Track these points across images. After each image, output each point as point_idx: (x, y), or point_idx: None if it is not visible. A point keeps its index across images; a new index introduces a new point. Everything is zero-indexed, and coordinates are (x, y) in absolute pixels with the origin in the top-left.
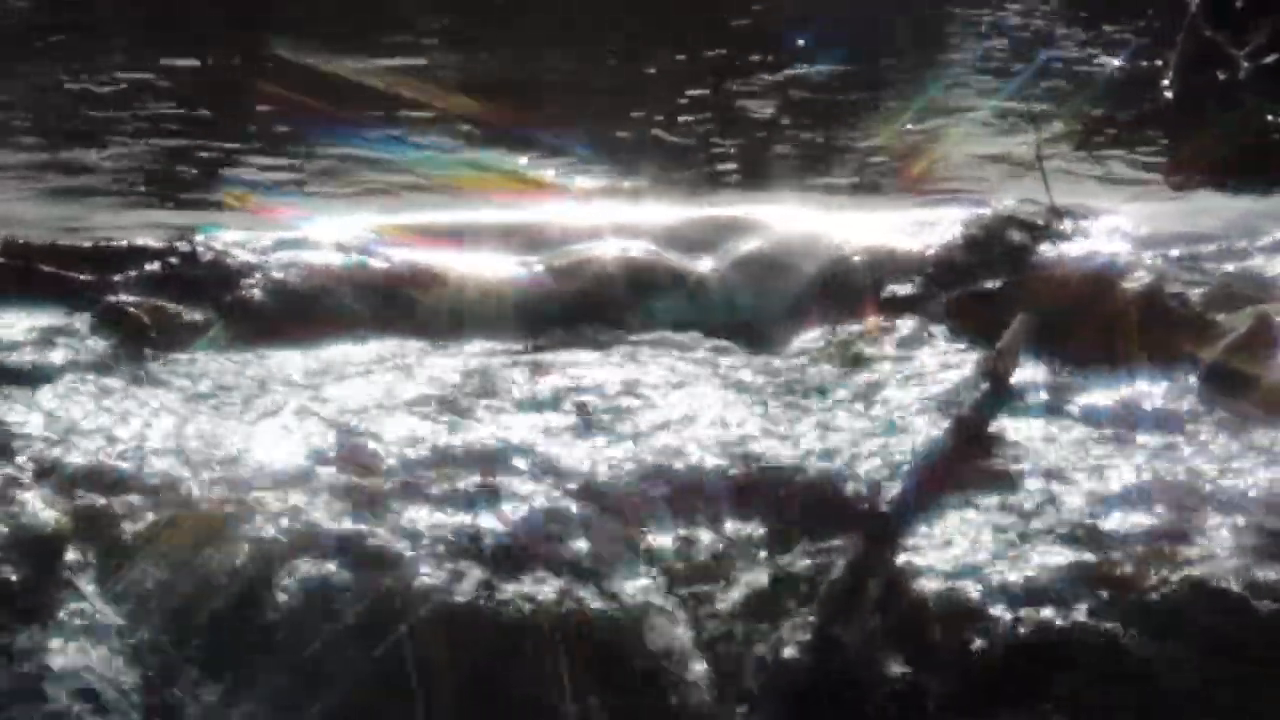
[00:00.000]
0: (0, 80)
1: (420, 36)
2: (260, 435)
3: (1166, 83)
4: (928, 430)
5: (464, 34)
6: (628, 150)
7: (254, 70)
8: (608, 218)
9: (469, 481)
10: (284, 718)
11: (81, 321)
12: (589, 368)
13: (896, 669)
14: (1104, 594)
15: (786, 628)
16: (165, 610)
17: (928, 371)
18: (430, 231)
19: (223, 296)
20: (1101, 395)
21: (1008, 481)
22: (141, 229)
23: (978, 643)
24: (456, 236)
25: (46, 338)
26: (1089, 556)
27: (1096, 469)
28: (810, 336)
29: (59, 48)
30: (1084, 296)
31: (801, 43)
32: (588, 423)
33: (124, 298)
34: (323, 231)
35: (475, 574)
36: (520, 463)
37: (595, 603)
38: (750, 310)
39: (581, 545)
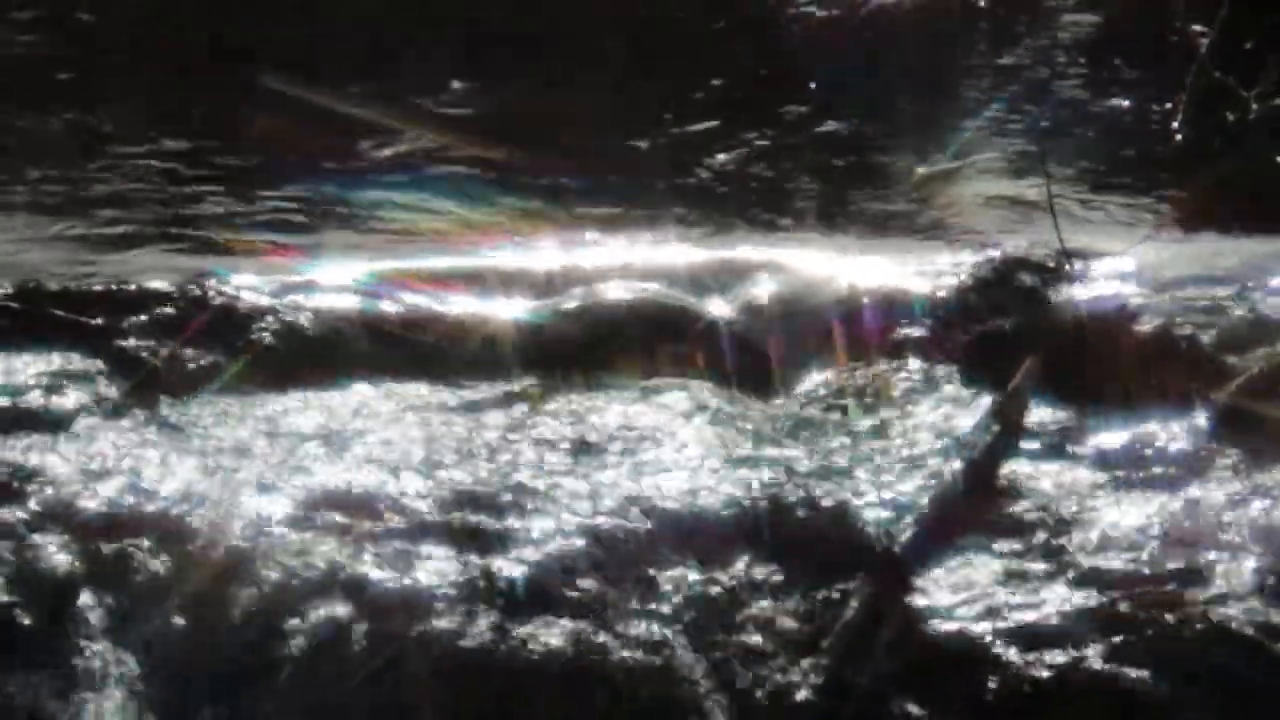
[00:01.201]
0: (6, 120)
1: (431, 74)
2: (272, 479)
3: (1176, 124)
4: (939, 472)
5: (473, 72)
6: (638, 192)
7: (263, 111)
8: (619, 260)
9: (480, 524)
10: None
11: (94, 366)
12: (600, 410)
13: (909, 711)
14: (1116, 636)
15: (799, 670)
16: (177, 655)
17: (939, 414)
18: (440, 275)
19: (234, 340)
20: (1113, 437)
21: (1019, 524)
22: (152, 272)
23: (990, 685)
24: (467, 279)
25: (59, 382)
26: (1101, 599)
27: (1108, 511)
28: (821, 379)
29: (63, 87)
30: (1095, 338)
31: (813, 86)
32: (599, 465)
33: (136, 342)
34: (333, 275)
35: (487, 617)
36: (531, 505)
37: (607, 645)
38: (762, 352)
39: (594, 587)
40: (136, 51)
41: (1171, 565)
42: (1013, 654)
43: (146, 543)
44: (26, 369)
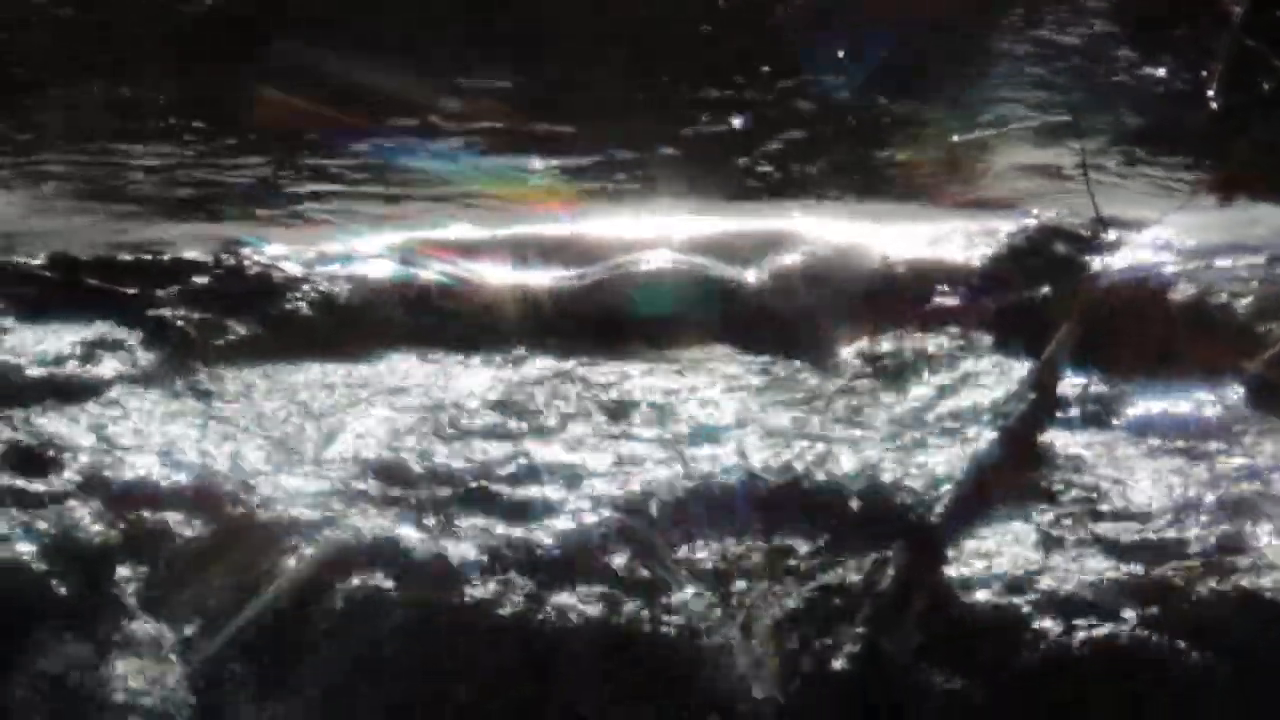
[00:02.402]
0: (36, 96)
1: (455, 46)
2: (308, 449)
3: (1211, 93)
4: (975, 441)
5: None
6: (668, 162)
7: (290, 83)
8: (650, 230)
9: (515, 494)
10: None
11: (129, 335)
12: (633, 380)
13: (944, 681)
14: (1152, 606)
15: (835, 639)
16: (215, 624)
17: (974, 383)
18: (473, 245)
19: (269, 310)
20: (1148, 406)
21: (1054, 493)
22: (186, 242)
23: (1025, 655)
24: (499, 250)
25: (94, 351)
26: (1136, 568)
27: (1143, 480)
28: (855, 348)
29: (93, 60)
30: (1129, 307)
31: (841, 54)
32: (632, 434)
33: (171, 311)
34: (368, 244)
35: (522, 586)
36: (567, 475)
37: (643, 615)
38: (795, 322)
39: (629, 558)
40: (167, 25)
41: (1206, 535)
42: (1047, 623)
43: (182, 512)
44: (61, 338)
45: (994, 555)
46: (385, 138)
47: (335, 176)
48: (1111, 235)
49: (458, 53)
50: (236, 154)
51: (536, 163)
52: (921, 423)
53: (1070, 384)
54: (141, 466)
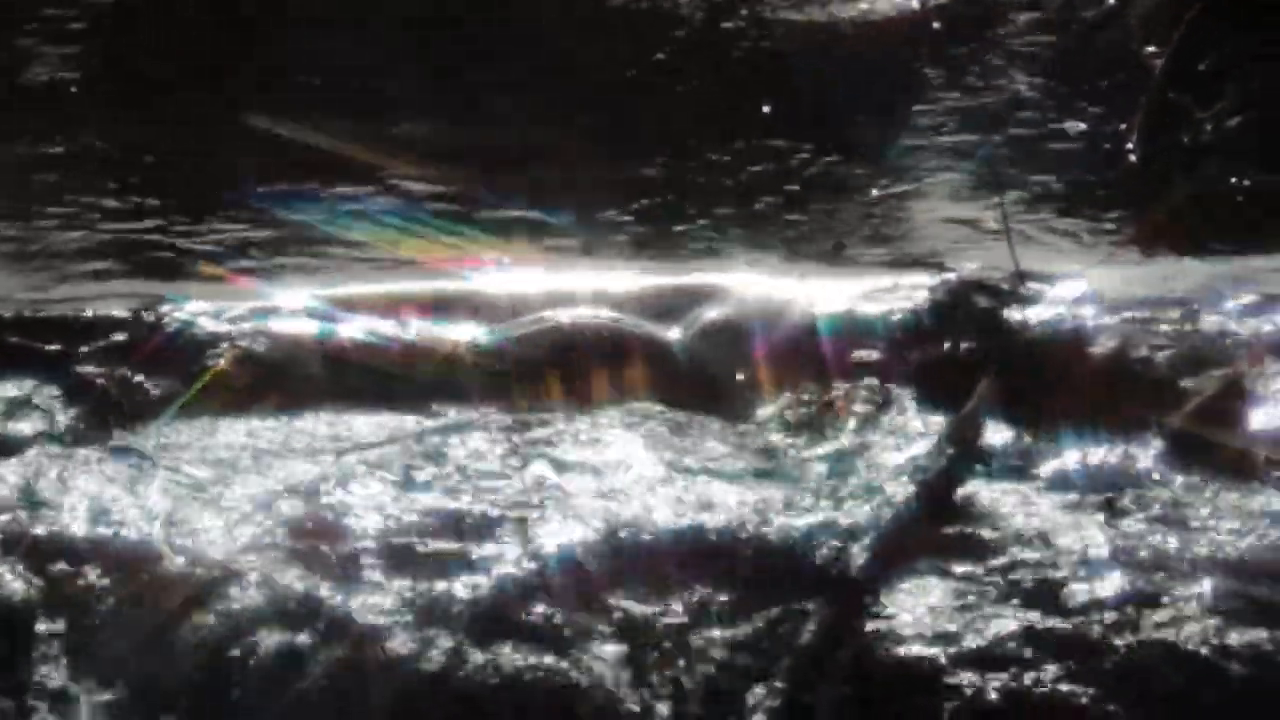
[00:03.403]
0: None
1: (384, 102)
2: (229, 505)
3: (1131, 146)
4: (894, 496)
5: (428, 99)
6: (592, 220)
7: (218, 136)
8: (573, 286)
9: (437, 550)
10: None
11: (49, 393)
12: (551, 434)
13: None
14: (1071, 659)
15: (756, 695)
16: (135, 681)
17: (894, 437)
18: (396, 301)
19: (190, 367)
20: (1068, 459)
21: (975, 547)
22: (108, 299)
23: (945, 708)
24: (422, 306)
25: (13, 409)
26: (1057, 621)
27: (1064, 533)
28: (776, 403)
29: (14, 114)
30: (1050, 361)
31: (767, 110)
32: (553, 490)
33: (92, 369)
34: (290, 300)
35: (443, 642)
36: (487, 531)
37: (562, 670)
38: (717, 376)
39: (549, 613)
40: (94, 76)
41: (1126, 588)
42: (967, 677)
43: (102, 569)
44: None
45: (913, 609)
46: (309, 193)
47: (256, 233)
48: (1032, 289)
49: (387, 104)
50: (157, 212)
51: (462, 220)
52: (841, 476)
53: (990, 437)
54: (61, 523)
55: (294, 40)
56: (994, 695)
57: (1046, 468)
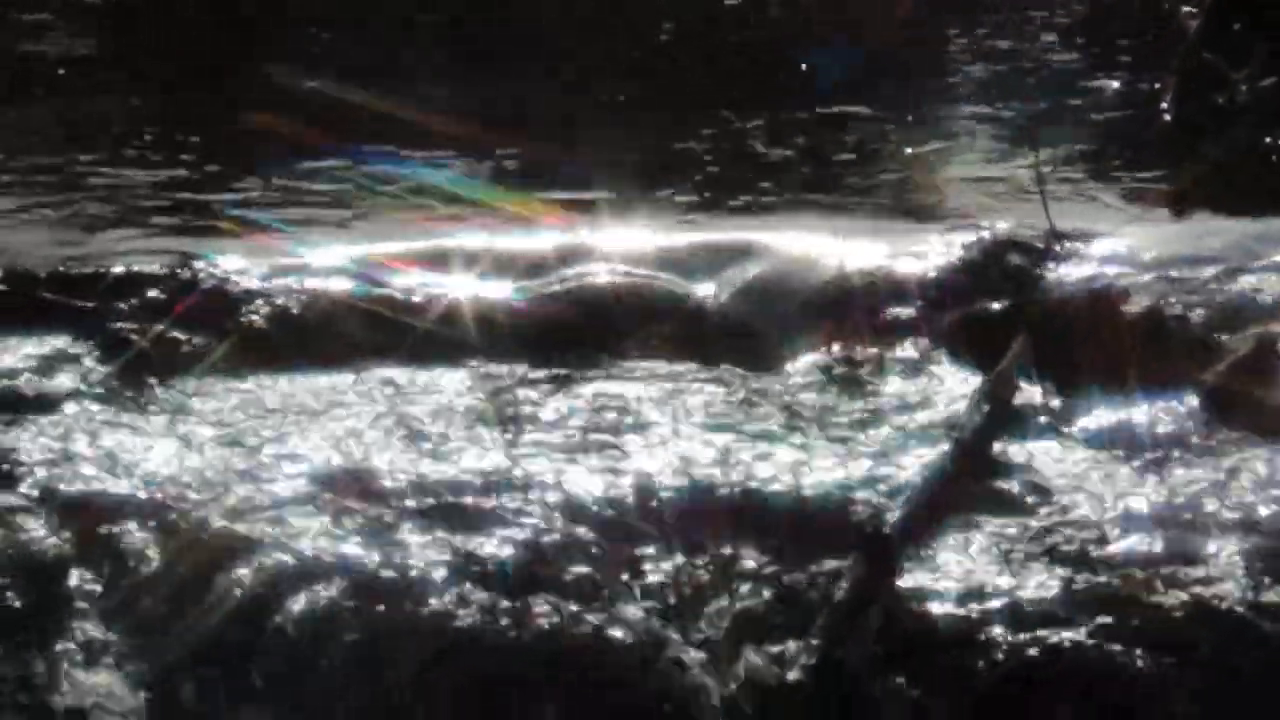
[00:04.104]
0: None
1: (417, 61)
2: (262, 462)
3: (1165, 105)
4: (929, 453)
5: (461, 58)
6: (627, 176)
7: (251, 96)
8: (607, 243)
9: (470, 506)
10: None
11: (84, 349)
12: (588, 392)
13: (901, 692)
14: (1106, 616)
15: (790, 652)
16: (167, 637)
17: (928, 394)
18: (430, 258)
19: (224, 323)
20: (1102, 417)
21: (1009, 504)
22: (143, 256)
23: (980, 666)
24: (456, 262)
25: (49, 365)
26: (1091, 579)
27: (1098, 491)
28: (811, 360)
29: (53, 76)
30: (1084, 319)
31: (804, 67)
32: (588, 445)
33: (126, 325)
34: (323, 258)
35: (477, 599)
36: (521, 487)
37: (597, 627)
38: (751, 334)
39: (583, 570)
40: (130, 42)
41: (1160, 545)
42: (1001, 634)
43: (136, 524)
44: (16, 351)
45: (949, 566)
46: (344, 152)
47: (293, 190)
48: (1066, 247)
49: (424, 69)
50: (193, 168)
51: (498, 177)
52: (877, 434)
53: (1025, 395)
54: (96, 479)
55: (324, 6)
56: (1029, 652)
57: (1081, 425)
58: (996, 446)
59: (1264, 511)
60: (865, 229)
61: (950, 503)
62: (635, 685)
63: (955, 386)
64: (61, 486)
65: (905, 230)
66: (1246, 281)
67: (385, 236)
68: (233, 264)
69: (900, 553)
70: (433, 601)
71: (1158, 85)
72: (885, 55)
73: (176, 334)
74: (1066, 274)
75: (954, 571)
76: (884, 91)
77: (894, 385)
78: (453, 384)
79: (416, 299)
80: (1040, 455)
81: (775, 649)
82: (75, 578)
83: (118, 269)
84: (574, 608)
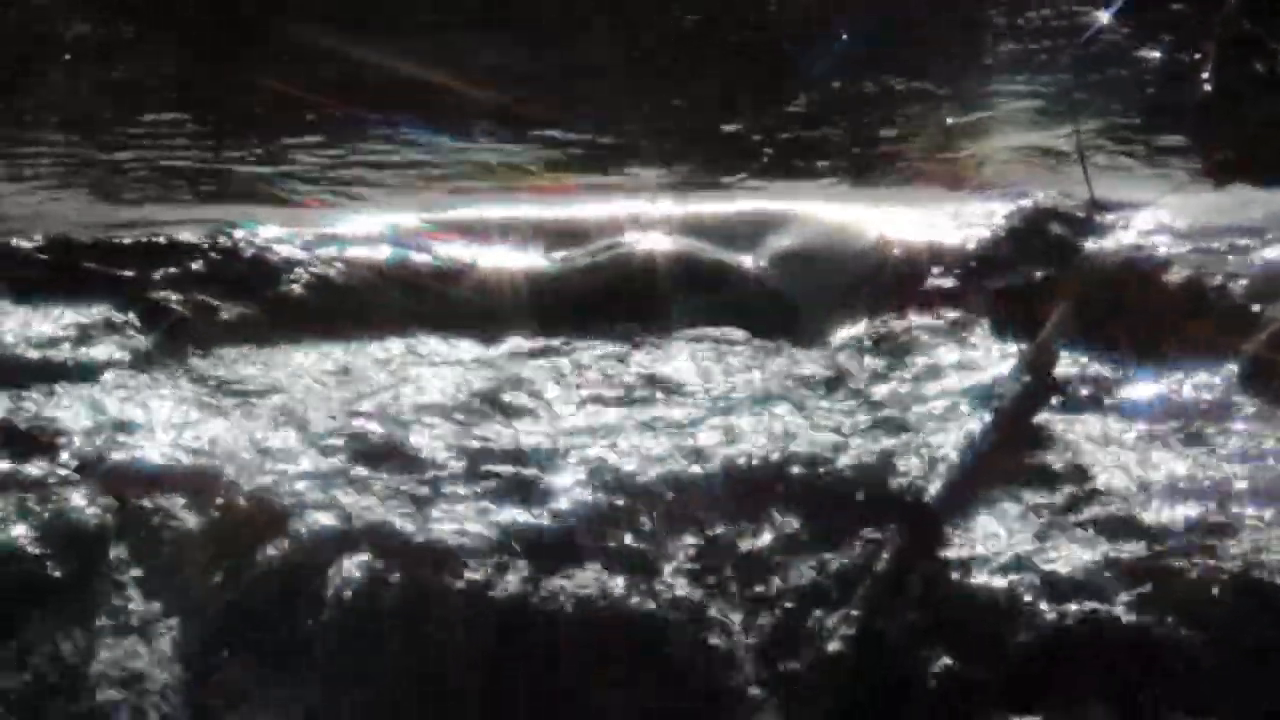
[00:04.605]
0: (34, 78)
1: (448, 26)
2: (302, 430)
3: (1206, 75)
4: (970, 423)
5: (501, 27)
6: (665, 145)
7: (291, 66)
8: (646, 212)
9: (512, 477)
10: (327, 716)
11: (124, 317)
12: (627, 362)
13: (940, 662)
14: (1147, 588)
15: (831, 621)
16: (208, 608)
17: (969, 365)
18: (469, 227)
19: (265, 292)
20: (1143, 388)
21: (1049, 475)
22: (183, 225)
23: (1021, 636)
24: (496, 232)
25: (89, 334)
26: (1132, 550)
27: (1138, 462)
28: (852, 330)
29: (89, 46)
30: (1125, 289)
31: (844, 36)
32: (629, 416)
33: (166, 293)
34: (363, 227)
35: (518, 569)
36: (563, 458)
37: (638, 597)
38: (791, 304)
39: (625, 540)
40: (163, 10)
41: (1201, 517)
42: (1042, 605)
43: (176, 494)
44: (56, 320)
45: (988, 537)
46: (383, 122)
47: (332, 160)
48: (1107, 217)
49: (459, 37)
50: (233, 137)
51: (535, 145)
52: (916, 405)
53: (1065, 366)
54: (136, 448)
55: None
56: (1068, 623)
57: (1121, 395)
58: (1036, 417)
59: None
60: (906, 199)
61: (990, 473)
62: (676, 655)
63: (995, 357)
64: (101, 456)
65: (946, 200)
66: None
67: (424, 206)
68: (272, 233)
69: (940, 524)
70: (473, 571)
71: (1198, 55)
72: (923, 26)
73: (216, 303)
74: (1107, 244)
75: (994, 542)
76: (923, 63)
77: (934, 355)
78: (492, 353)
79: (456, 268)
80: (1080, 426)
81: (815, 619)
82: (115, 548)
83: (158, 238)
84: (615, 577)
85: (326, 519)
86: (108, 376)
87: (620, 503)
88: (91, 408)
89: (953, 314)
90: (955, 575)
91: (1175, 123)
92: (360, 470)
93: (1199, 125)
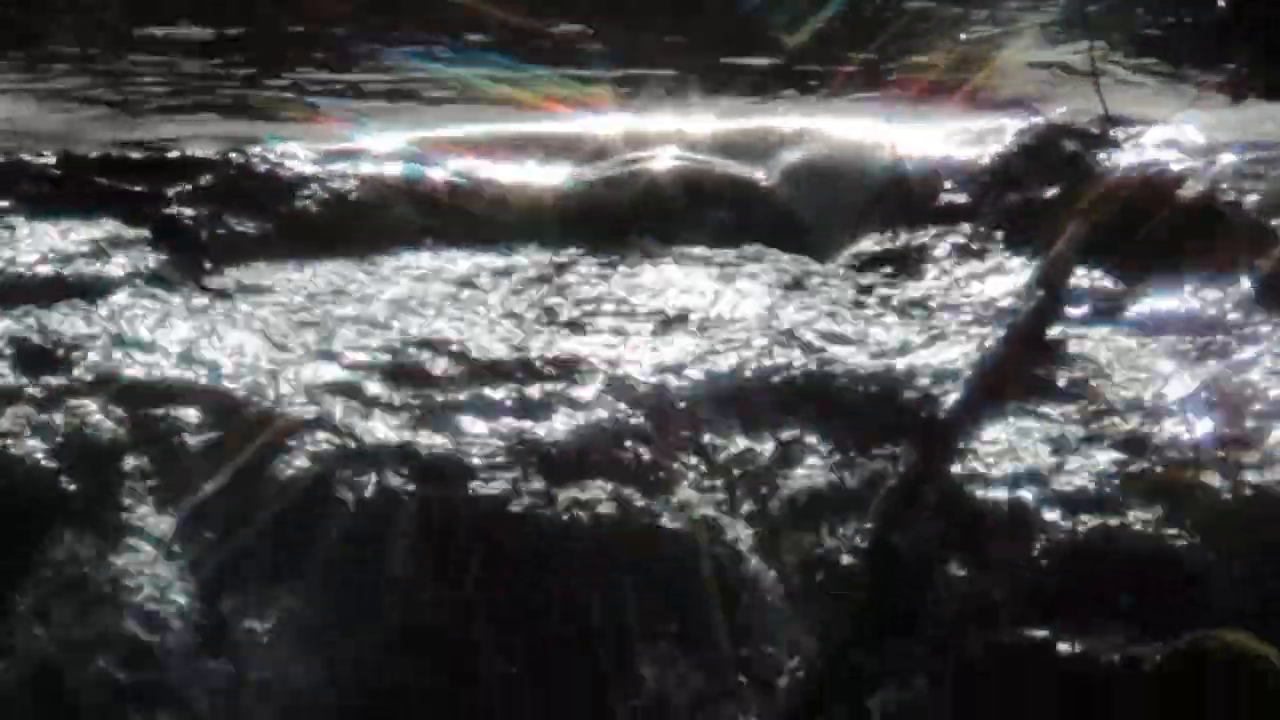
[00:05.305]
0: None
1: None
2: (316, 346)
3: None
4: (983, 338)
5: None
6: (679, 62)
7: None
8: (659, 128)
9: (526, 390)
10: (342, 629)
11: (137, 234)
12: (641, 276)
13: (953, 575)
14: (1159, 501)
15: (844, 535)
16: (222, 521)
17: (983, 280)
18: (483, 143)
19: (278, 208)
20: (1156, 303)
21: (1063, 389)
22: (196, 141)
23: (1033, 549)
24: (509, 148)
25: (104, 250)
26: (1145, 464)
27: (1152, 376)
28: (866, 245)
29: None
30: (1139, 205)
31: None
32: (644, 330)
33: (179, 210)
34: (376, 143)
35: (533, 482)
36: (577, 371)
37: (652, 510)
38: (805, 219)
39: (639, 452)
40: None
41: (1215, 431)
42: (1056, 519)
43: (191, 409)
44: (70, 237)
45: (1003, 451)
46: (398, 38)
47: (347, 76)
48: (1120, 133)
49: None
50: (247, 53)
51: (552, 63)
52: (931, 319)
53: (1079, 281)
54: (150, 364)
55: None
56: (1083, 537)
57: (1134, 310)
58: (1050, 331)
59: None
60: (920, 115)
61: (1004, 387)
62: (689, 567)
63: (1009, 272)
64: (116, 371)
65: (960, 117)
66: None
67: (439, 122)
68: (286, 149)
69: (955, 438)
70: (488, 485)
71: None
72: None
73: (230, 219)
74: (1121, 160)
75: (1008, 456)
76: None
77: (948, 270)
78: (506, 268)
79: (469, 184)
80: (1094, 340)
81: (831, 533)
82: (130, 462)
83: (172, 154)
84: (628, 490)
85: (339, 432)
86: (121, 292)
87: (634, 415)
88: (106, 323)
89: (966, 229)
90: (969, 489)
91: (1190, 39)
92: (373, 384)
93: (1214, 41)
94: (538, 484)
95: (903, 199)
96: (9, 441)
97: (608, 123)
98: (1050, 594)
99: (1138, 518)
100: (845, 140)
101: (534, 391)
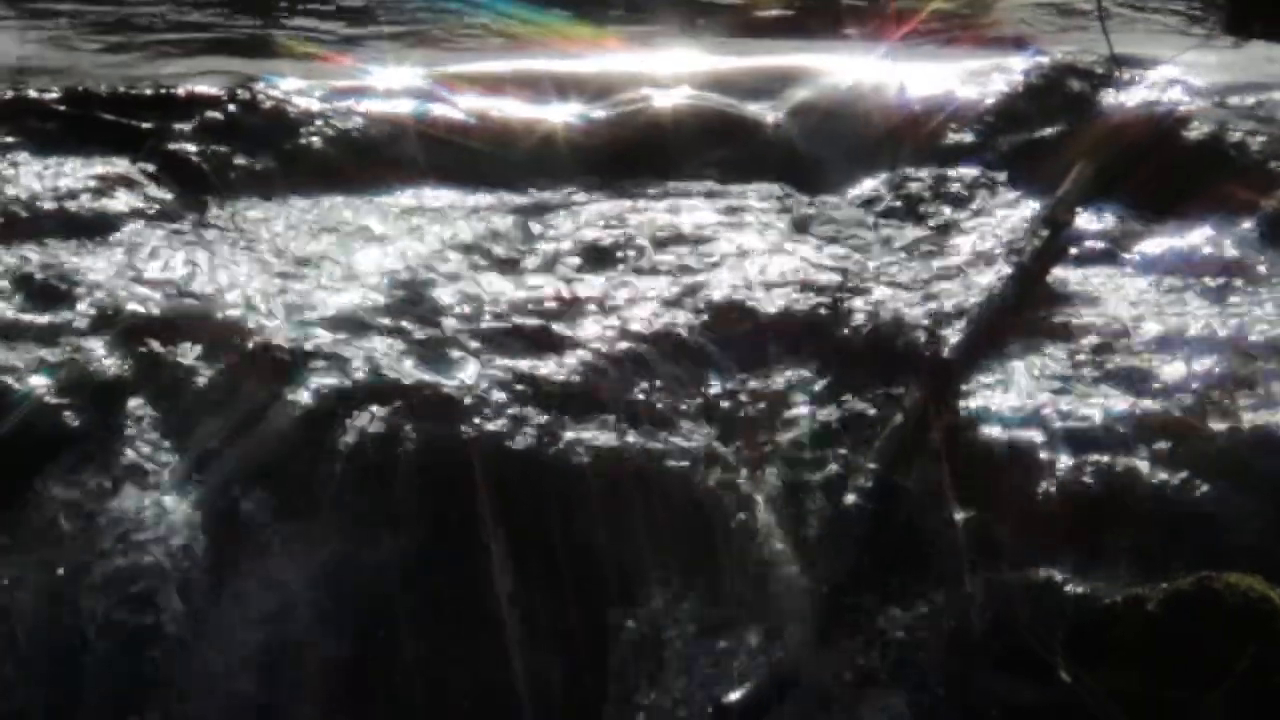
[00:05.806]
0: None
1: None
2: (321, 283)
3: None
4: (988, 277)
5: None
6: (690, 4)
7: None
8: (670, 67)
9: (529, 328)
10: (347, 566)
11: (143, 170)
12: (647, 214)
13: (957, 515)
14: (1163, 442)
15: (848, 474)
16: (226, 458)
17: (988, 219)
18: (488, 80)
19: (283, 144)
20: (1161, 243)
21: (1068, 330)
22: (202, 77)
23: (1037, 490)
24: (515, 85)
25: (108, 186)
26: (1149, 404)
27: (1156, 316)
28: (871, 183)
29: None
30: (1144, 144)
31: None
32: (649, 268)
33: (185, 146)
34: (382, 80)
35: (535, 420)
36: (580, 309)
37: (654, 447)
38: (810, 156)
39: (642, 390)
40: None
41: (1219, 372)
42: (1060, 459)
43: (195, 345)
44: (75, 173)
45: (1008, 390)
46: None
47: (351, 13)
48: (1126, 73)
49: None
50: None
51: (562, 4)
52: (935, 258)
53: (1084, 221)
54: (155, 299)
55: None
56: (1087, 478)
57: (1139, 250)
58: (1055, 271)
59: None
60: (925, 54)
61: (1009, 327)
62: (691, 505)
63: (1015, 212)
64: (121, 307)
65: (966, 57)
66: None
67: (445, 59)
68: (292, 85)
69: (959, 377)
70: (491, 422)
71: None
72: None
73: (235, 155)
74: (1126, 100)
75: (1013, 396)
76: None
77: (953, 210)
78: (512, 206)
79: (475, 122)
80: (1098, 280)
81: (834, 472)
82: (134, 398)
83: (176, 91)
84: (630, 426)
85: (343, 369)
86: (127, 228)
87: (638, 353)
88: (111, 259)
89: (973, 168)
90: (973, 429)
91: None
92: (377, 320)
93: None
94: (538, 421)
95: (910, 138)
96: (14, 377)
97: (613, 61)
98: (1053, 533)
99: (1140, 459)
100: (852, 80)
101: (535, 328)
